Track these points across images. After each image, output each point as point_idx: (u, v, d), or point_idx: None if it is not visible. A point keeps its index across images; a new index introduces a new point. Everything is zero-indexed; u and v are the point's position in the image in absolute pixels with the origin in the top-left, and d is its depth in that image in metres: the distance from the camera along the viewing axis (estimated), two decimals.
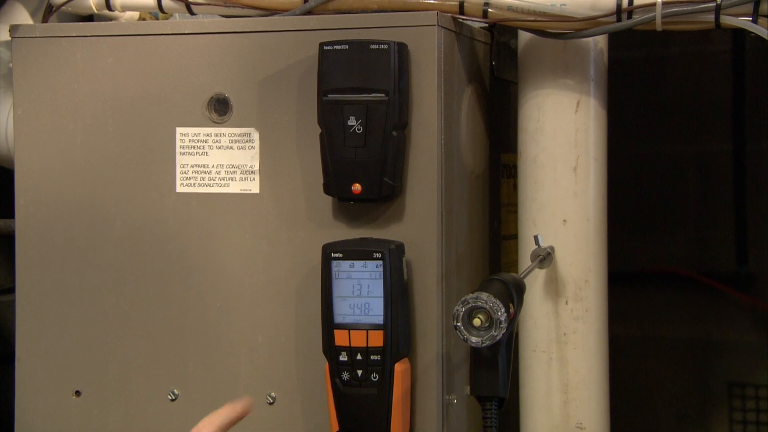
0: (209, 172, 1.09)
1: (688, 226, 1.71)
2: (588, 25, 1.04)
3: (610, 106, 1.14)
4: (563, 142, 1.10)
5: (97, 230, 1.11)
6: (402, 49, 1.01)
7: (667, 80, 1.72)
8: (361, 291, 1.01)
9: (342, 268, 1.01)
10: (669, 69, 1.72)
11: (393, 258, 1.00)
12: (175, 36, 1.09)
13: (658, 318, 1.72)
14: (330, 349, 1.01)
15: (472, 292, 0.92)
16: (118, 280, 1.11)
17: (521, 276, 1.02)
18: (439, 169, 1.03)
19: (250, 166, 1.08)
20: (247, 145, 1.08)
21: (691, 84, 1.70)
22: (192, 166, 1.09)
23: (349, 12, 1.07)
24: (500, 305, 0.91)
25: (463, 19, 1.07)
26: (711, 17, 1.01)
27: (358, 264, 1.00)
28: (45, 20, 1.19)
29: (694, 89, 1.70)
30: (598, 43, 1.11)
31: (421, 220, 1.03)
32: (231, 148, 1.08)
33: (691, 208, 1.71)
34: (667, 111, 1.72)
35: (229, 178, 1.08)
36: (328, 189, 1.03)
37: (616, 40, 1.13)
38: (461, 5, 1.05)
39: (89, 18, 1.22)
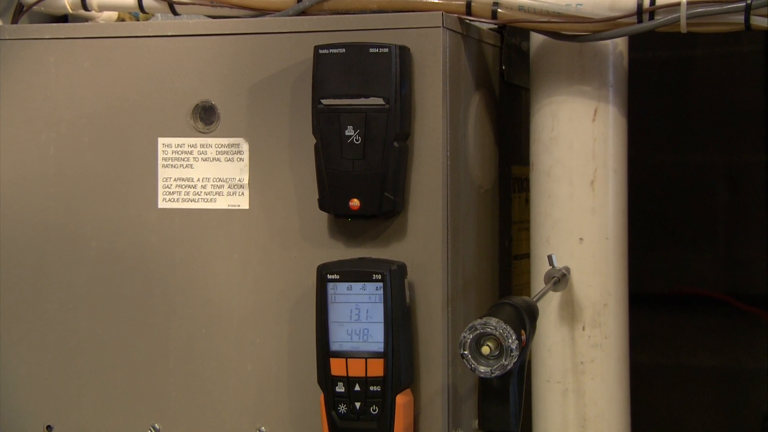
0: (194, 186, 1.10)
1: (717, 244, 1.71)
2: (606, 26, 1.05)
3: (631, 114, 1.15)
4: (580, 153, 1.11)
5: (71, 249, 1.12)
6: (404, 52, 1.02)
7: (693, 84, 1.73)
8: (359, 316, 1.02)
9: (339, 290, 1.02)
10: (695, 72, 1.72)
11: (394, 280, 1.01)
12: (157, 38, 1.10)
13: (685, 344, 1.72)
14: (325, 380, 1.02)
15: (481, 318, 0.93)
16: (94, 304, 1.12)
17: (534, 299, 1.03)
18: (445, 183, 1.04)
19: (239, 180, 1.09)
20: (235, 156, 1.09)
21: (719, 88, 1.71)
22: (175, 180, 1.10)
23: (346, 12, 1.08)
24: (511, 332, 0.92)
25: (470, 20, 1.09)
26: (741, 18, 1.02)
27: (356, 286, 1.01)
28: (15, 21, 1.20)
29: (722, 94, 1.71)
30: (618, 45, 1.12)
31: (425, 239, 1.04)
32: (218, 160, 1.09)
33: (720, 224, 1.71)
34: (693, 118, 1.72)
35: (216, 193, 1.09)
36: (323, 205, 1.04)
37: (637, 40, 1.13)
38: (468, 5, 1.06)
39: (63, 19, 1.23)
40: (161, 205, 1.10)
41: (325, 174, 1.03)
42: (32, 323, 1.13)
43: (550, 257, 1.08)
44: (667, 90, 1.73)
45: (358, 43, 1.02)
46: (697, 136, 1.72)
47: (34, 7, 1.18)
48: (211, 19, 1.14)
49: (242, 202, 1.09)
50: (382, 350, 1.01)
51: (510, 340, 0.92)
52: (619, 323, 1.13)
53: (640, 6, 1.03)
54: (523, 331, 0.94)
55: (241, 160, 1.09)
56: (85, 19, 1.23)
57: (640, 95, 1.24)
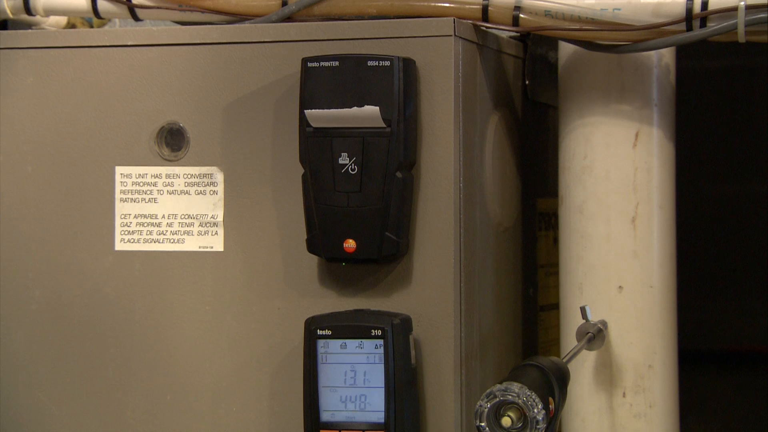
0: (158, 225, 1.11)
1: None
2: (650, 35, 1.06)
3: (679, 136, 1.15)
4: (618, 185, 1.12)
5: (9, 301, 1.12)
6: (408, 66, 1.03)
7: (757, 98, 1.74)
8: (355, 379, 1.02)
9: (331, 349, 1.02)
10: (758, 84, 1.73)
11: (397, 336, 1.01)
12: (114, 48, 1.11)
13: (749, 412, 1.72)
14: None
15: (500, 383, 0.93)
16: (36, 367, 1.12)
17: (564, 360, 1.03)
18: (457, 220, 1.05)
19: (212, 217, 1.10)
20: (207, 189, 1.10)
21: None
22: (136, 217, 1.11)
23: (340, 18, 1.09)
24: (537, 400, 0.92)
25: (487, 28, 1.10)
26: None
27: (352, 344, 1.02)
28: None
29: None
30: (663, 57, 1.13)
31: (434, 287, 1.05)
32: (187, 192, 1.10)
33: None
34: (756, 139, 1.73)
35: (185, 232, 1.10)
36: (313, 246, 1.05)
37: (688, 47, 1.14)
38: (485, 10, 1.07)
39: (3, 25, 1.24)
40: (119, 246, 1.11)
41: (314, 210, 1.04)
42: None
43: (583, 309, 1.09)
44: (724, 107, 1.74)
45: (354, 55, 1.03)
46: (760, 162, 1.72)
47: None
48: (180, 27, 1.15)
49: (216, 243, 1.10)
50: (382, 421, 1.01)
51: (535, 410, 0.92)
52: (666, 388, 1.13)
53: (689, 11, 1.04)
54: (551, 399, 0.95)
55: (215, 193, 1.10)
56: (29, 26, 1.24)
57: (690, 114, 1.25)
